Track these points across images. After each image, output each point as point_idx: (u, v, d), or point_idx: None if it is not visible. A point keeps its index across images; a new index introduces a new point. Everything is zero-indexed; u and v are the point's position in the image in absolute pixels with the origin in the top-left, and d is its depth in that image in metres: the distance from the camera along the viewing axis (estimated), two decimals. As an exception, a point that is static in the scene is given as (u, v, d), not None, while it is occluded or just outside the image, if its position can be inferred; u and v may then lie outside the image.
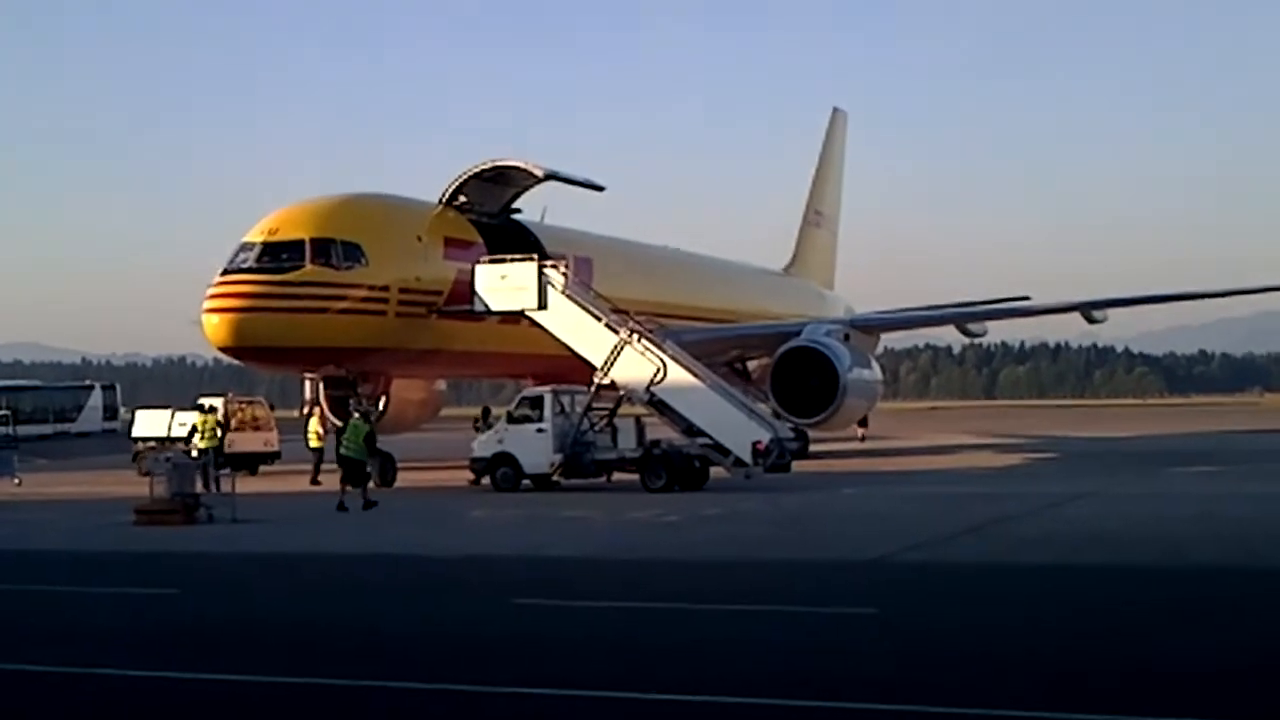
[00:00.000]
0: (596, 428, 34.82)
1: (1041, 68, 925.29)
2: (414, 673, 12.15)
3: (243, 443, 40.49)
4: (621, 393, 34.67)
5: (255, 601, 17.12)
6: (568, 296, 34.88)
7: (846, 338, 43.21)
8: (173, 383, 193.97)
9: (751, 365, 48.26)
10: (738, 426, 33.09)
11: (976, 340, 61.84)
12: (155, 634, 14.70)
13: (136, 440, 43.45)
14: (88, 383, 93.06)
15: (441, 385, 49.01)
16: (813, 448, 46.45)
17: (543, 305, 34.75)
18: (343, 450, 29.95)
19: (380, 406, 36.83)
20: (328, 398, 40.34)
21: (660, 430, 36.08)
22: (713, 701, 11.01)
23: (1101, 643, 13.04)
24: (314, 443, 37.98)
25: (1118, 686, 11.28)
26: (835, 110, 66.73)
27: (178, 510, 26.56)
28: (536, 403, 34.16)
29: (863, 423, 55.03)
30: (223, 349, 33.41)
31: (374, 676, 11.96)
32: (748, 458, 32.66)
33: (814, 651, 13.03)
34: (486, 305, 35.14)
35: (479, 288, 35.12)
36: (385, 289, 34.47)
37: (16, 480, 38.91)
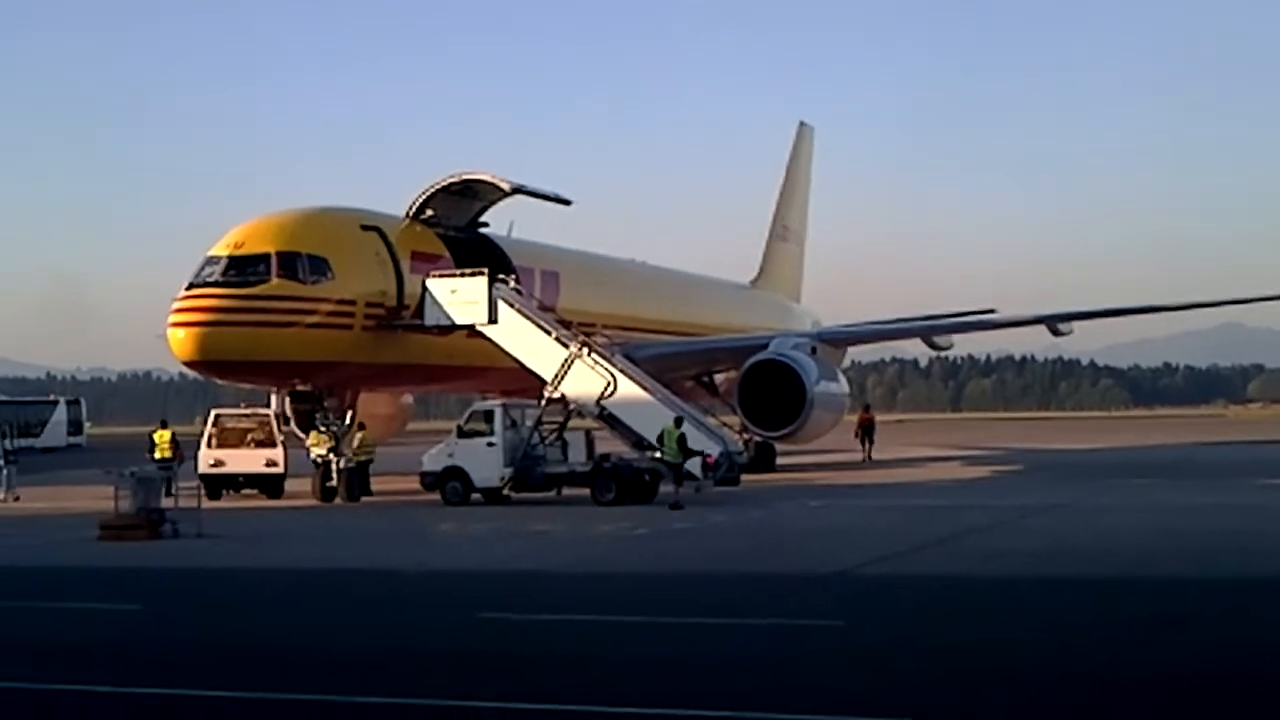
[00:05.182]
0: (547, 441, 34.85)
1: (1006, 83, 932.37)
2: (377, 687, 12.09)
3: (237, 462, 37.43)
4: (572, 406, 34.73)
5: (219, 617, 17.01)
6: (517, 311, 34.96)
7: (813, 351, 43.29)
8: (138, 397, 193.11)
9: (719, 378, 48.27)
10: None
11: (942, 353, 61.96)
12: (117, 650, 14.61)
13: None
14: (52, 398, 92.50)
15: (409, 399, 48.88)
16: (780, 460, 46.61)
17: (493, 319, 34.78)
18: (665, 458, 31.92)
19: (346, 421, 36.69)
20: (294, 412, 40.15)
21: (610, 444, 36.14)
22: (677, 714, 11.02)
23: (1068, 655, 13.10)
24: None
25: (1084, 699, 11.33)
26: (802, 124, 66.85)
27: (142, 525, 26.37)
28: (487, 416, 34.20)
29: (869, 439, 53.72)
30: (188, 363, 33.21)
31: (337, 691, 11.91)
32: (697, 471, 32.69)
33: (780, 664, 13.03)
34: (437, 320, 35.14)
35: (430, 302, 35.12)
36: (352, 303, 34.39)
37: (14, 495, 38.39)
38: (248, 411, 39.10)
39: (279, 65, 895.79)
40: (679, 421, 32.74)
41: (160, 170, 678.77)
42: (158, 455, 36.74)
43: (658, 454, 33.16)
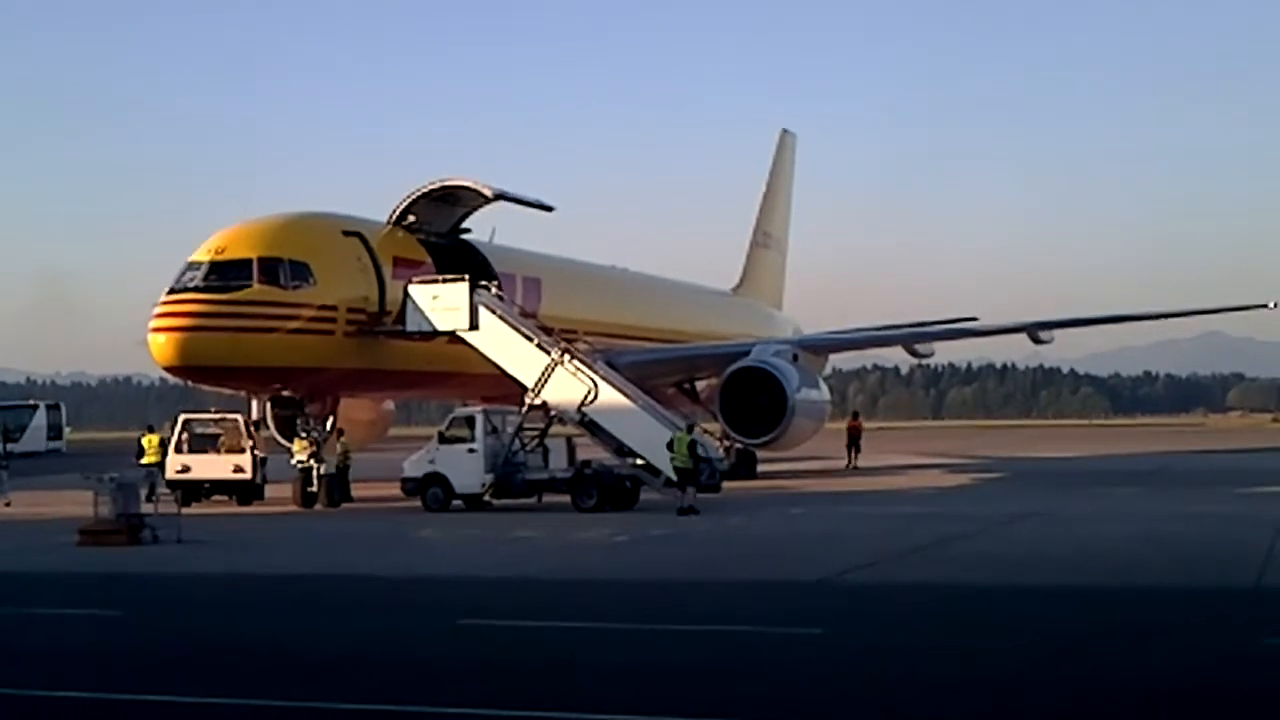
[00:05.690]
0: (528, 448, 34.84)
1: (990, 90, 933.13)
2: (357, 693, 12.08)
3: (203, 468, 36.72)
4: (553, 413, 34.73)
5: (199, 623, 16.94)
6: (499, 317, 34.96)
7: (795, 358, 43.36)
8: (118, 402, 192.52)
9: (700, 385, 48.27)
10: None
11: (924, 361, 61.94)
12: (97, 656, 14.56)
13: None
14: (32, 402, 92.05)
15: (390, 405, 48.80)
16: (762, 467, 46.62)
17: (474, 326, 34.78)
18: (675, 463, 31.70)
19: (327, 427, 36.63)
20: (275, 417, 40.06)
21: (591, 450, 36.13)
22: (659, 722, 11.03)
23: (1047, 663, 13.14)
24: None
25: (1065, 708, 11.37)
26: (784, 132, 66.94)
27: (122, 531, 26.28)
28: (468, 422, 34.18)
29: (856, 447, 53.36)
30: (168, 368, 33.16)
31: (317, 698, 11.89)
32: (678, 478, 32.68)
33: (760, 671, 13.04)
34: (419, 325, 35.12)
35: (411, 308, 35.10)
36: (333, 309, 34.34)
37: (5, 501, 38.17)
38: (216, 416, 38.83)
39: (279, 65, 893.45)
40: (691, 428, 32.79)
41: (154, 170, 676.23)
42: (146, 460, 36.62)
43: (639, 461, 33.21)
